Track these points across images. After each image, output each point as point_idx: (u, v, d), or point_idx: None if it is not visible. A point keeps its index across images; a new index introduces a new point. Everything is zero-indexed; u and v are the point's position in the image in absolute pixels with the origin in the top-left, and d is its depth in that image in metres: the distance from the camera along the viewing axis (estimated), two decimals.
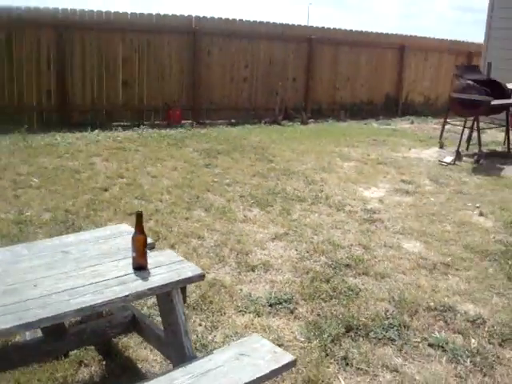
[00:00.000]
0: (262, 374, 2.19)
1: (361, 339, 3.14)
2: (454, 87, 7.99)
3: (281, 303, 3.49)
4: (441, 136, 8.87)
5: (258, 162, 7.03)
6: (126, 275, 2.25)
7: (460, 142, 8.02)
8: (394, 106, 12.69)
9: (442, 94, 13.60)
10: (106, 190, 5.59)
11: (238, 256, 4.18)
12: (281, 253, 4.31)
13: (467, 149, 8.27)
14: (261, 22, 10.75)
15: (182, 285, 2.33)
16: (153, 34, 9.59)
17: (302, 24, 11.42)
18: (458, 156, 7.82)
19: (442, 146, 8.77)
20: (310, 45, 10.94)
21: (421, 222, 5.19)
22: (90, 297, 2.06)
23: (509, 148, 8.57)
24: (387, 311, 3.46)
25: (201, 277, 2.37)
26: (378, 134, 9.80)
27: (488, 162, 7.90)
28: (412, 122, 11.59)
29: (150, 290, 2.19)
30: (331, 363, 2.89)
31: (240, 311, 3.38)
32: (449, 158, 7.82)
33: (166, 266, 2.37)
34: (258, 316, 3.33)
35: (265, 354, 2.32)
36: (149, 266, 2.32)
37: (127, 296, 2.12)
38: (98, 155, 7.04)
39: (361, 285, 3.82)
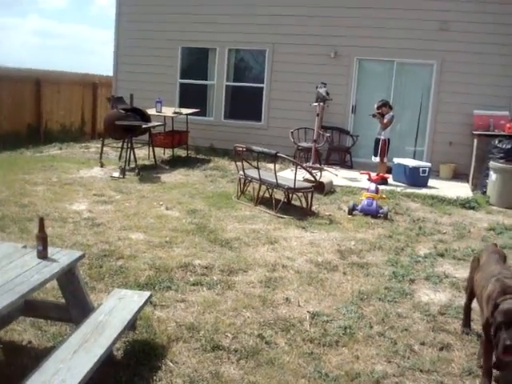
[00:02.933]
0: (141, 303, 3.56)
1: (153, 291, 4.63)
2: (114, 116, 9.74)
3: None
4: (100, 157, 10.52)
5: None
6: (40, 263, 3.25)
7: (125, 160, 9.87)
8: (37, 135, 13.64)
9: (75, 122, 15.23)
10: None
11: None
12: None
13: (128, 165, 10.17)
14: None
15: (78, 261, 3.46)
16: None
17: None
18: (123, 171, 9.64)
19: (102, 166, 10.43)
20: None
21: (132, 221, 6.81)
22: (37, 276, 3.05)
23: (155, 161, 10.87)
24: (155, 274, 5.03)
25: (84, 255, 3.54)
26: (41, 161, 10.76)
27: (145, 173, 9.99)
28: (61, 148, 12.83)
29: (67, 265, 3.27)
30: (149, 307, 4.32)
31: None
32: (117, 174, 9.57)
33: (57, 253, 3.43)
34: None
35: (133, 295, 3.68)
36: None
37: (58, 271, 3.18)
38: None
39: (125, 264, 5.25)
